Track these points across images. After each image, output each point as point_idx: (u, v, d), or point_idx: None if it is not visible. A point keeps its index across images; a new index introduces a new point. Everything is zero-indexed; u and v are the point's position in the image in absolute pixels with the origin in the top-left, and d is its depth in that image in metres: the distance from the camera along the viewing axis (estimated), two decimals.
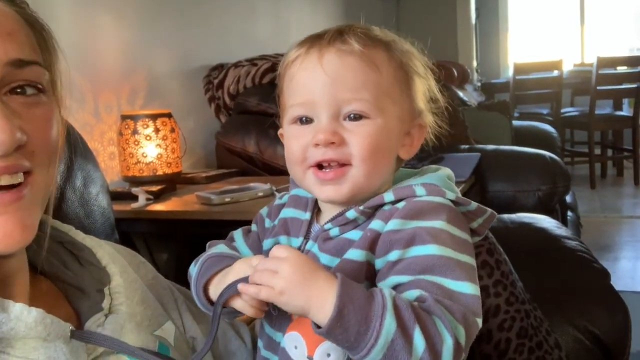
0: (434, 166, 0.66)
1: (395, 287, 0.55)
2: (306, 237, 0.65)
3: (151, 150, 1.75)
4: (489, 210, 0.63)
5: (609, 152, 5.49)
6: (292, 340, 0.61)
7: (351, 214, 0.61)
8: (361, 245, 0.58)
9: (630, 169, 5.15)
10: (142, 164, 1.75)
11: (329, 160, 0.60)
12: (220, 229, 1.53)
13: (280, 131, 0.68)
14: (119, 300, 0.65)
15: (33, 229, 0.57)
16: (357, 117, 0.60)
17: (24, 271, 0.62)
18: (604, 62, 4.88)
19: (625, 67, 5.11)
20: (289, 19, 3.20)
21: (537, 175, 2.12)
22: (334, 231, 0.62)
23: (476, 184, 2.05)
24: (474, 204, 0.61)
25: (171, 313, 0.75)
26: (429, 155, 1.84)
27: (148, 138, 1.74)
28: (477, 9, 5.99)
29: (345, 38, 0.60)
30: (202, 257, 0.67)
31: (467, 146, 2.33)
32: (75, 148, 1.02)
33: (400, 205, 0.59)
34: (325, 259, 0.61)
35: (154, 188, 1.68)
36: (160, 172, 1.77)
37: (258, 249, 0.70)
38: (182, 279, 0.85)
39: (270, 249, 0.66)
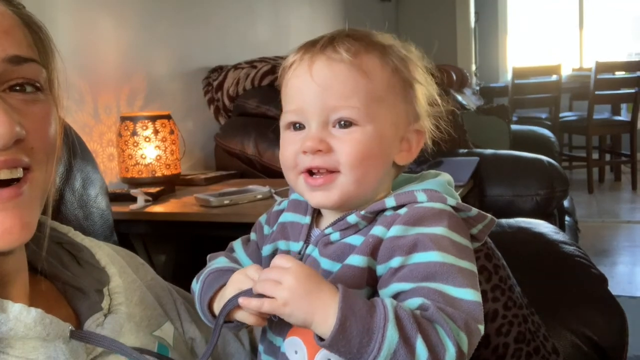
0: (433, 171, 0.67)
1: (397, 295, 0.55)
2: (306, 242, 0.65)
3: (150, 151, 1.75)
4: (489, 216, 0.63)
5: (607, 157, 5.49)
6: (293, 345, 0.61)
7: (352, 218, 0.61)
8: (363, 251, 0.58)
9: (628, 174, 5.16)
10: (141, 166, 1.75)
11: (317, 167, 0.61)
12: (218, 231, 1.55)
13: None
14: (118, 300, 0.66)
15: (32, 226, 0.58)
16: (347, 124, 0.60)
17: (24, 271, 0.62)
18: (602, 67, 4.90)
19: (623, 72, 5.13)
20: (288, 22, 3.20)
21: (535, 179, 2.12)
22: (335, 236, 0.62)
23: (474, 188, 2.05)
24: (474, 210, 0.62)
25: (170, 314, 0.75)
26: (427, 160, 1.85)
27: (147, 139, 1.74)
28: (476, 12, 6.00)
29: (335, 46, 0.61)
30: (204, 273, 0.67)
31: (465, 150, 2.34)
32: (74, 150, 1.02)
33: (402, 211, 0.59)
34: (326, 263, 0.61)
35: (153, 190, 1.68)
36: (159, 174, 1.77)
37: (258, 258, 0.70)
38: (180, 281, 0.85)
39: (269, 255, 0.66)
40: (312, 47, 0.62)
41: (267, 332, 0.65)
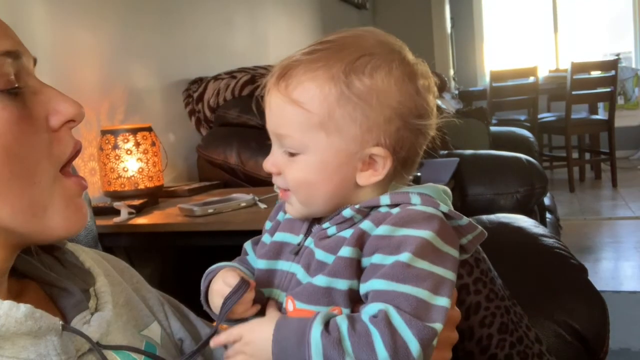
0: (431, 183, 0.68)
1: (368, 293, 0.57)
2: (307, 235, 0.66)
3: (132, 164, 1.75)
4: (480, 227, 0.64)
5: (587, 156, 5.57)
6: None
7: (347, 212, 0.62)
8: (350, 242, 0.60)
9: (608, 172, 5.23)
10: (123, 179, 1.75)
11: (276, 185, 0.66)
12: (203, 240, 1.56)
13: None
14: (104, 299, 0.66)
15: None
16: (291, 153, 0.63)
17: (6, 273, 0.63)
18: (578, 68, 4.97)
19: (599, 72, 5.21)
20: (266, 32, 3.22)
21: (515, 177, 2.15)
22: (332, 230, 0.63)
23: (455, 188, 2.07)
24: (465, 219, 0.63)
25: (157, 315, 0.76)
26: None
27: (129, 152, 1.74)
28: (452, 18, 6.08)
29: (280, 77, 0.62)
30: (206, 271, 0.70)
31: (445, 152, 2.37)
32: None
33: (395, 211, 0.60)
34: (320, 254, 0.62)
35: (136, 202, 1.67)
36: (142, 186, 1.77)
37: None
38: (167, 292, 0.85)
39: (269, 244, 0.68)
40: (273, 70, 0.64)
41: None
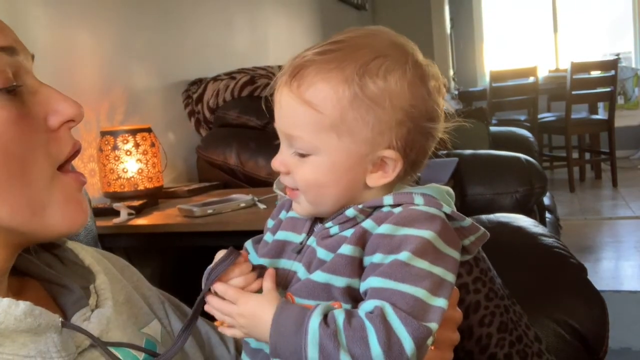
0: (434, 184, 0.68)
1: (367, 291, 0.58)
2: (309, 234, 0.67)
3: (132, 165, 1.75)
4: (482, 229, 0.64)
5: (587, 156, 5.57)
6: None
7: (350, 212, 0.62)
8: (352, 241, 0.60)
9: (608, 172, 5.23)
10: (123, 180, 1.75)
11: (284, 184, 0.65)
12: (203, 240, 1.56)
13: None
14: (104, 296, 0.66)
15: None
16: (301, 153, 0.63)
17: (7, 272, 0.63)
18: (578, 68, 4.97)
19: (599, 72, 5.21)
20: (265, 32, 3.22)
21: (514, 177, 2.15)
22: (334, 229, 0.63)
23: (455, 188, 2.06)
24: (468, 221, 0.63)
25: (158, 313, 0.76)
26: None
27: (128, 153, 1.75)
28: (451, 19, 6.08)
29: (293, 75, 0.62)
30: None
31: (445, 152, 2.37)
32: None
33: (397, 210, 0.60)
34: (321, 252, 0.63)
35: (136, 203, 1.68)
36: (141, 187, 1.77)
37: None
38: (167, 292, 0.85)
39: (271, 242, 0.68)
40: (285, 69, 0.63)
41: (251, 343, 0.67)
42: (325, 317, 0.55)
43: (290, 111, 0.62)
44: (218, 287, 0.61)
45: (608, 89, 5.01)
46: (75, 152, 0.64)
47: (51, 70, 1.69)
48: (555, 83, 5.47)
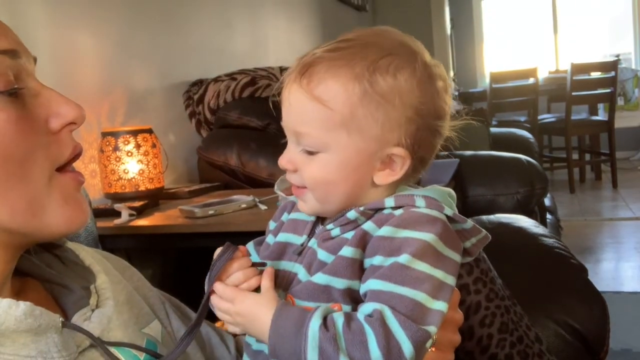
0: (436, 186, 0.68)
1: (367, 293, 0.58)
2: (310, 236, 0.67)
3: (133, 166, 1.75)
4: (484, 231, 0.64)
5: (587, 157, 5.57)
6: None
7: (352, 214, 0.62)
8: (352, 243, 0.60)
9: (608, 173, 5.23)
10: (124, 180, 1.75)
11: (290, 182, 0.65)
12: (204, 241, 1.56)
13: None
14: (105, 295, 0.66)
15: None
16: (309, 151, 0.62)
17: (10, 274, 0.63)
18: (578, 69, 4.98)
19: (599, 73, 5.21)
20: (266, 33, 3.23)
21: (515, 178, 2.15)
22: (335, 231, 0.63)
23: (456, 189, 2.07)
24: (469, 223, 0.62)
25: (159, 313, 0.76)
26: None
27: (129, 154, 1.75)
28: (451, 19, 6.08)
29: (303, 72, 0.62)
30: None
31: (445, 153, 2.36)
32: None
33: (398, 212, 0.60)
34: (322, 254, 0.63)
35: (137, 204, 1.68)
36: (142, 188, 1.77)
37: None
38: (167, 294, 0.86)
39: (273, 244, 0.68)
40: (294, 66, 0.63)
41: (253, 344, 0.67)
42: (324, 320, 0.55)
43: (299, 108, 0.62)
44: (216, 286, 0.62)
45: (608, 90, 5.01)
46: (76, 155, 0.64)
47: (52, 72, 1.69)
48: (555, 84, 5.48)
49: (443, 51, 5.61)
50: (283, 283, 0.65)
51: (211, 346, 0.81)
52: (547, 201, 2.57)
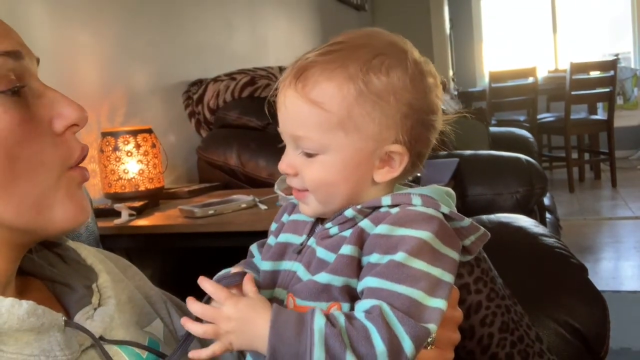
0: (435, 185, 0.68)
1: (363, 291, 0.58)
2: (309, 236, 0.67)
3: (132, 166, 1.75)
4: (482, 228, 0.64)
5: (586, 156, 5.57)
6: None
7: (349, 212, 0.63)
8: (351, 241, 0.61)
9: (608, 172, 5.24)
10: (124, 180, 1.75)
11: (291, 186, 0.66)
12: (204, 241, 1.56)
13: None
14: (107, 294, 0.66)
15: None
16: (309, 154, 0.63)
17: (14, 274, 0.63)
18: (577, 68, 4.98)
19: (598, 72, 5.21)
20: (265, 33, 3.23)
21: (514, 177, 2.16)
22: (334, 230, 0.64)
23: (455, 189, 2.07)
24: (467, 221, 0.63)
25: (160, 312, 0.76)
26: None
27: (129, 154, 1.75)
28: (451, 19, 6.08)
29: (299, 77, 0.62)
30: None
31: (445, 152, 2.37)
32: None
33: (394, 210, 0.61)
34: (321, 252, 0.63)
35: (137, 204, 1.68)
36: (142, 188, 1.77)
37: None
38: (168, 293, 0.86)
39: (274, 245, 0.69)
40: (288, 72, 0.64)
41: None
42: (327, 317, 0.55)
43: (296, 112, 0.62)
44: (207, 286, 0.60)
45: (607, 89, 5.01)
46: (85, 157, 0.64)
47: (52, 72, 1.69)
48: (555, 83, 5.48)
49: (442, 51, 5.61)
50: (284, 283, 0.65)
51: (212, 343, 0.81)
52: (546, 200, 2.57)
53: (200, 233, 1.54)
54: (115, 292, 0.68)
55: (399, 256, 0.56)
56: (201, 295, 0.64)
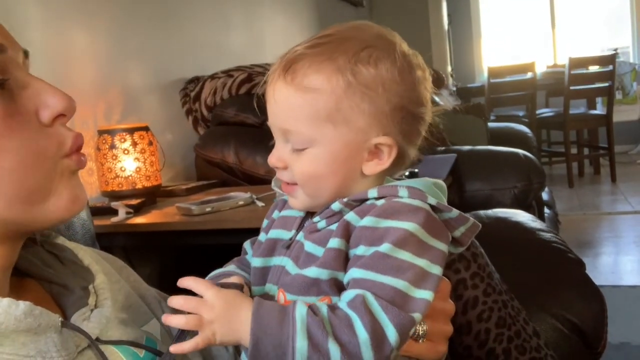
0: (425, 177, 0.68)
1: (349, 282, 0.58)
2: (298, 231, 0.67)
3: (129, 164, 1.75)
4: (471, 219, 0.64)
5: (585, 151, 5.57)
6: None
7: (336, 206, 0.63)
8: (337, 234, 0.60)
9: (607, 167, 5.24)
10: (121, 178, 1.75)
11: (281, 179, 0.66)
12: (201, 239, 1.56)
13: None
14: (104, 295, 0.66)
15: None
16: (297, 148, 0.63)
17: (10, 270, 0.63)
18: (575, 63, 4.98)
19: (597, 67, 5.21)
20: (262, 30, 3.22)
21: (512, 172, 2.16)
22: (322, 224, 0.64)
23: (453, 184, 2.07)
24: (455, 212, 0.62)
25: (156, 312, 0.76)
26: None
27: (126, 152, 1.74)
28: (449, 15, 6.08)
29: (287, 69, 0.62)
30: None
31: (443, 148, 2.37)
32: None
33: (380, 203, 0.61)
34: (309, 246, 0.63)
35: (134, 202, 1.67)
36: (139, 186, 1.77)
37: None
38: (165, 291, 0.85)
39: (264, 241, 0.68)
40: (277, 65, 0.64)
41: None
42: (309, 307, 0.55)
43: (285, 105, 0.62)
44: (188, 282, 0.59)
45: (606, 84, 5.01)
46: (79, 146, 0.62)
47: (47, 70, 1.69)
48: (553, 78, 5.48)
49: (441, 46, 5.60)
50: (274, 278, 0.65)
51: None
52: (545, 195, 2.58)
53: (197, 230, 1.54)
54: (112, 293, 0.68)
55: (384, 247, 0.56)
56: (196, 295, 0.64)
